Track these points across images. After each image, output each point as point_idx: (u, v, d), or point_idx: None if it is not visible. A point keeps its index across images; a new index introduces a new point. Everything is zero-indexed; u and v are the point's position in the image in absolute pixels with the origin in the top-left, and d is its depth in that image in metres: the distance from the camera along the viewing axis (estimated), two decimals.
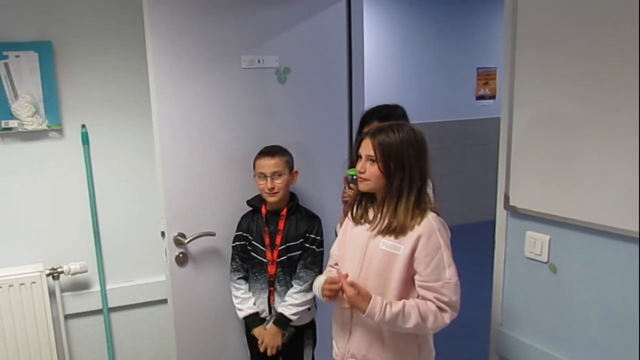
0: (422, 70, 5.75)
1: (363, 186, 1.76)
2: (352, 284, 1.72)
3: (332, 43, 2.52)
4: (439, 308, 1.66)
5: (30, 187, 2.41)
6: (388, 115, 2.16)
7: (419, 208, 1.70)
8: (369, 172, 1.72)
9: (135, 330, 2.71)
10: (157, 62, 2.13)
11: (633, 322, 1.62)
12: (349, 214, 1.87)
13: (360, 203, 1.84)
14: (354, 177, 2.02)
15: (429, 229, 1.68)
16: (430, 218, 1.70)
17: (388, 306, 1.66)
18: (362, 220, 1.81)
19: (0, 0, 2.24)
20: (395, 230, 1.70)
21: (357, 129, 2.22)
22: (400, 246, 1.69)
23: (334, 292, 1.75)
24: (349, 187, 2.09)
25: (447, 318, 1.68)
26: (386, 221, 1.72)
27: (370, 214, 1.80)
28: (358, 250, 1.79)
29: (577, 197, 1.71)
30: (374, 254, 1.75)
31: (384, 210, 1.73)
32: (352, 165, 2.15)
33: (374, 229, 1.75)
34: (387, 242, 1.72)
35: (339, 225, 2.25)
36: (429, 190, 2.13)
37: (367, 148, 1.72)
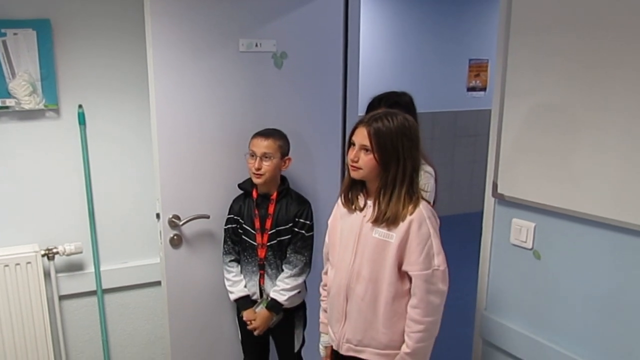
0: (414, 60, 5.76)
1: (355, 174, 1.76)
2: None
3: (329, 29, 2.53)
4: (428, 292, 1.70)
5: (26, 167, 2.41)
6: (395, 102, 2.15)
7: (411, 198, 1.72)
8: (363, 161, 1.72)
9: (129, 311, 2.73)
10: (156, 43, 2.14)
11: (613, 307, 1.67)
12: (340, 199, 1.89)
13: (350, 189, 1.85)
14: None
15: (419, 218, 1.70)
16: (422, 207, 1.72)
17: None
18: (353, 207, 1.83)
19: None
20: (388, 220, 1.71)
21: (364, 115, 2.22)
22: (392, 234, 1.72)
23: None
24: None
25: (437, 312, 1.73)
26: (380, 211, 1.73)
27: (361, 201, 1.82)
28: (351, 238, 1.81)
29: (562, 186, 1.75)
30: (367, 242, 1.77)
31: (379, 201, 1.74)
32: None
33: (367, 218, 1.77)
34: (379, 231, 1.74)
35: None
36: (431, 179, 2.18)
37: (361, 137, 1.71)
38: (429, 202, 1.78)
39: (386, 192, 1.72)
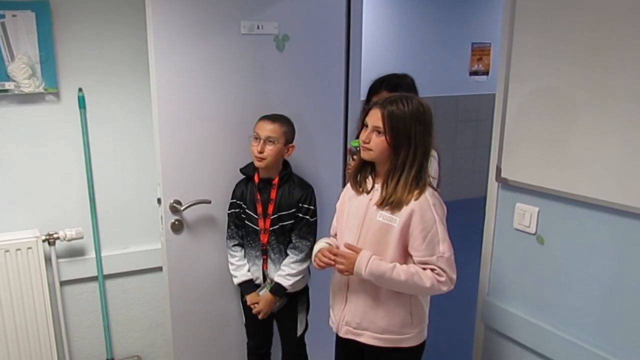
0: (416, 44, 5.69)
1: (365, 155, 1.77)
2: (348, 247, 1.78)
3: (331, 12, 2.50)
4: (438, 275, 1.71)
5: (26, 151, 2.38)
6: (397, 85, 2.15)
7: (418, 183, 1.72)
8: (374, 143, 1.73)
9: (130, 297, 2.73)
10: (157, 26, 2.11)
11: (616, 292, 1.66)
12: (350, 181, 1.89)
13: (360, 171, 1.85)
14: (358, 148, 2.03)
15: (424, 204, 1.70)
16: (427, 194, 1.72)
17: (375, 260, 1.72)
18: (361, 189, 1.83)
19: None
20: (392, 203, 1.72)
21: (365, 98, 2.21)
22: (396, 218, 1.72)
23: (325, 264, 1.81)
24: (353, 159, 2.09)
25: (443, 286, 1.72)
26: (386, 194, 1.73)
27: (369, 184, 1.83)
28: (356, 221, 1.82)
29: (566, 170, 1.75)
30: (371, 225, 1.78)
31: (387, 184, 1.74)
32: (359, 136, 2.17)
33: (374, 201, 1.77)
34: (384, 214, 1.75)
35: None
36: (434, 162, 2.17)
37: (375, 118, 1.72)
38: (436, 189, 1.78)
39: (394, 176, 1.72)
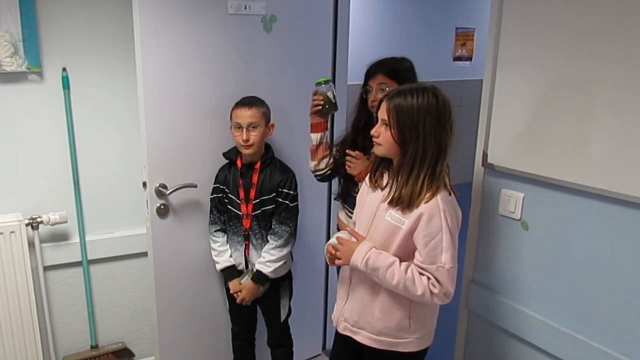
0: (401, 28, 5.60)
1: (377, 150, 1.71)
2: (351, 232, 1.76)
3: None
4: (432, 285, 1.61)
5: (8, 132, 2.32)
6: (394, 68, 2.07)
7: (432, 184, 1.61)
8: (382, 137, 1.65)
9: (115, 283, 2.70)
10: (142, 5, 2.06)
11: (600, 278, 1.69)
12: (367, 178, 1.82)
13: (377, 168, 1.78)
14: (322, 83, 2.03)
15: (433, 209, 1.59)
16: (439, 197, 1.60)
17: (374, 253, 1.66)
18: (376, 185, 1.76)
19: None
20: (402, 203, 1.63)
21: (363, 82, 2.15)
22: (405, 220, 1.63)
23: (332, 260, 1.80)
24: (314, 99, 2.09)
25: (435, 298, 1.62)
26: (396, 192, 1.65)
27: (385, 180, 1.75)
28: (367, 217, 1.76)
29: (552, 156, 1.76)
30: (379, 224, 1.71)
31: (397, 181, 1.66)
32: (355, 125, 2.16)
33: (384, 198, 1.70)
34: (393, 214, 1.66)
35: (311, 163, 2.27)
36: None
37: (383, 111, 1.64)
38: (454, 192, 1.67)
39: (403, 173, 1.64)
